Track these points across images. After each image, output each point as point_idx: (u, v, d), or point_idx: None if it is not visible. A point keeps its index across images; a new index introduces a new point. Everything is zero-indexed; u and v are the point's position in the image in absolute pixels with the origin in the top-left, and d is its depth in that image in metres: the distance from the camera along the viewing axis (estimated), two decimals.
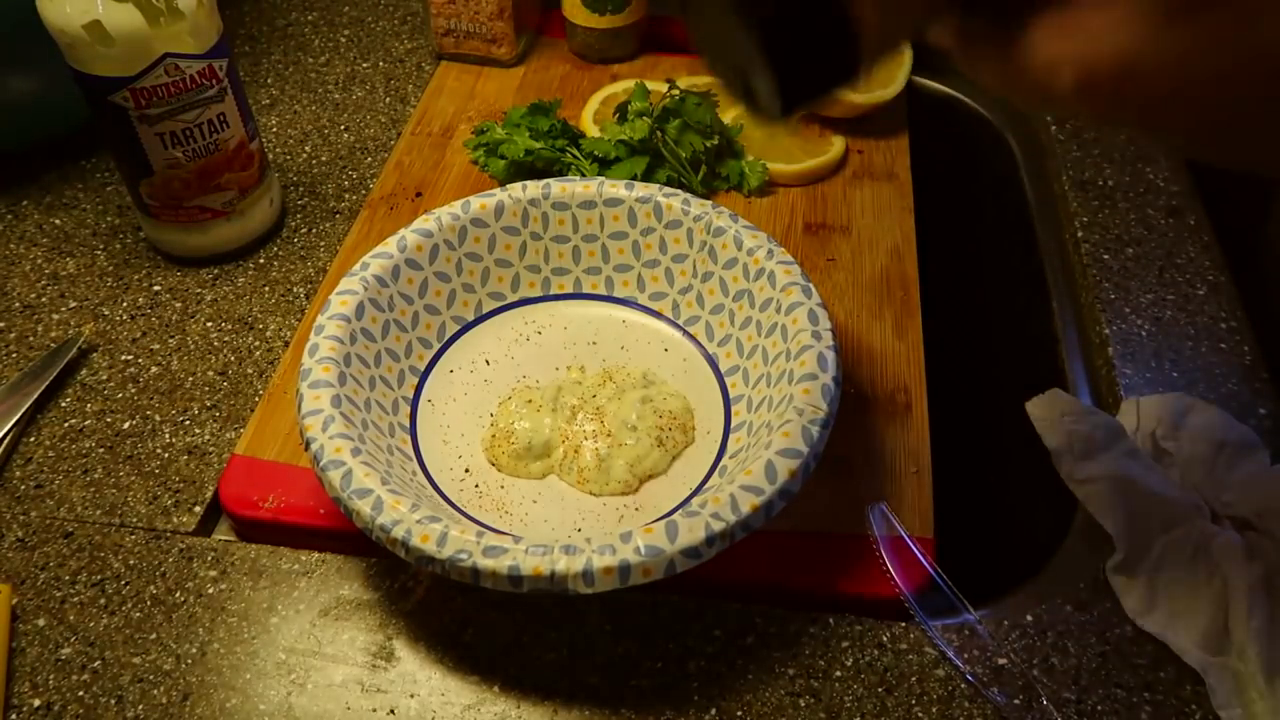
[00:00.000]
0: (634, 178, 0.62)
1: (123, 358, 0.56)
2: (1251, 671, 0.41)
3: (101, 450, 0.52)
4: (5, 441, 0.51)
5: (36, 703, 0.42)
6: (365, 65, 0.79)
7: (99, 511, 0.49)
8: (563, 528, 0.47)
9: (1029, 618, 0.44)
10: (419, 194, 0.66)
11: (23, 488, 0.50)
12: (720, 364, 0.53)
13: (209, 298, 0.60)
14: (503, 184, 0.59)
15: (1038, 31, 0.26)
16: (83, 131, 0.67)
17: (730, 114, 0.69)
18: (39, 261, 0.62)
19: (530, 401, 0.50)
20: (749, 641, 0.44)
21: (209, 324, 0.58)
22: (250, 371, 0.55)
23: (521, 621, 0.44)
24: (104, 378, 0.55)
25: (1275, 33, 0.23)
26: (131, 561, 0.47)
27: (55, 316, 0.59)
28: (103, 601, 0.45)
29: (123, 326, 0.58)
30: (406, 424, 0.50)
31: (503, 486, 0.48)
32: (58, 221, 0.65)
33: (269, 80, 0.77)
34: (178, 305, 0.59)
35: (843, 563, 0.46)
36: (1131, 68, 0.24)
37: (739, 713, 0.41)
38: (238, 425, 0.53)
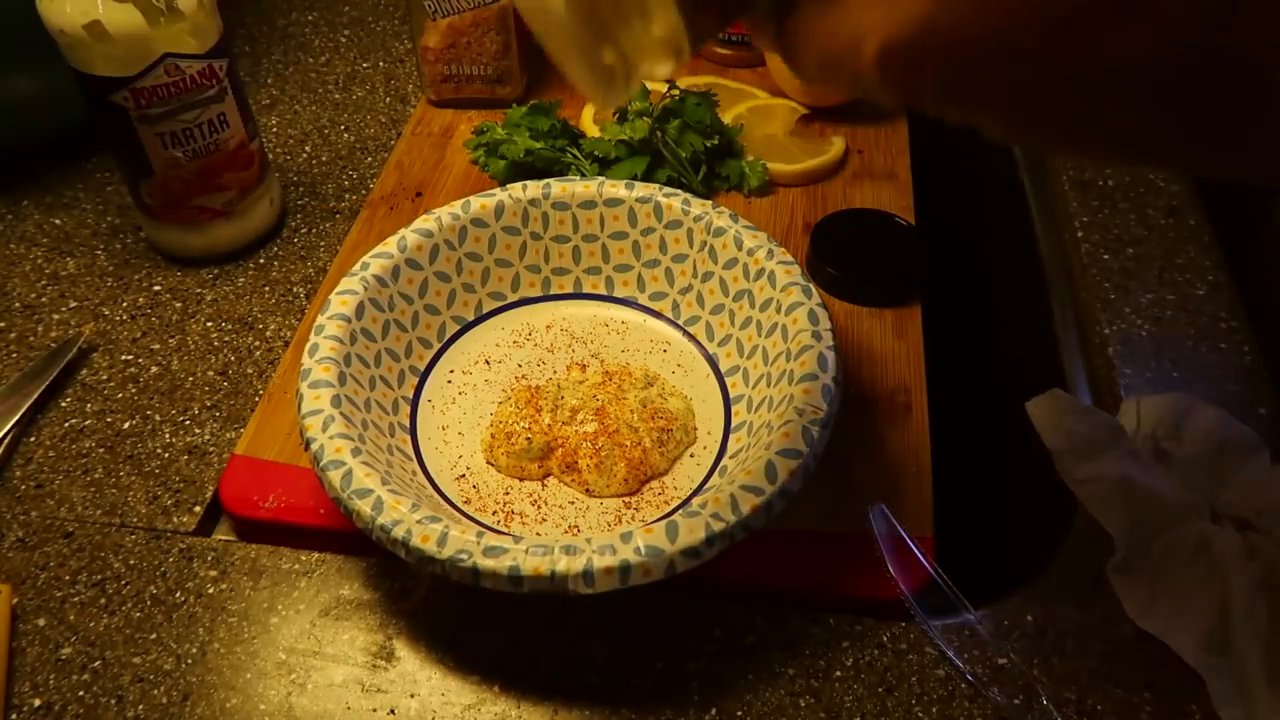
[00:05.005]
0: (634, 178, 0.62)
1: (123, 358, 0.56)
2: (1251, 671, 0.41)
3: (101, 450, 0.52)
4: (5, 441, 0.51)
5: (36, 703, 0.42)
6: (365, 65, 0.79)
7: (99, 511, 0.49)
8: (562, 528, 0.47)
9: (1029, 618, 0.44)
10: (419, 194, 0.66)
11: (23, 488, 0.50)
12: (720, 364, 0.53)
13: (209, 298, 0.60)
14: (503, 184, 0.59)
15: (843, 4, 0.25)
16: (83, 131, 0.67)
17: (730, 114, 0.69)
18: (39, 261, 0.62)
19: (530, 402, 0.50)
20: (749, 641, 0.44)
21: (209, 324, 0.58)
22: (250, 371, 0.55)
23: (521, 621, 0.44)
24: (104, 378, 0.55)
25: None
26: (131, 561, 0.47)
27: (55, 316, 0.59)
28: (103, 601, 0.45)
29: (123, 326, 0.58)
30: (406, 424, 0.50)
31: (503, 487, 0.48)
32: (58, 221, 0.65)
33: (269, 80, 0.77)
34: (178, 305, 0.59)
35: (843, 563, 0.46)
36: (928, 29, 0.22)
37: (739, 713, 0.41)
38: (238, 425, 0.53)
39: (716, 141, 0.65)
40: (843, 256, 0.58)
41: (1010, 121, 0.24)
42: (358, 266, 0.50)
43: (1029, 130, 0.24)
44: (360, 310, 0.49)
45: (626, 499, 0.48)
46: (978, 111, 0.24)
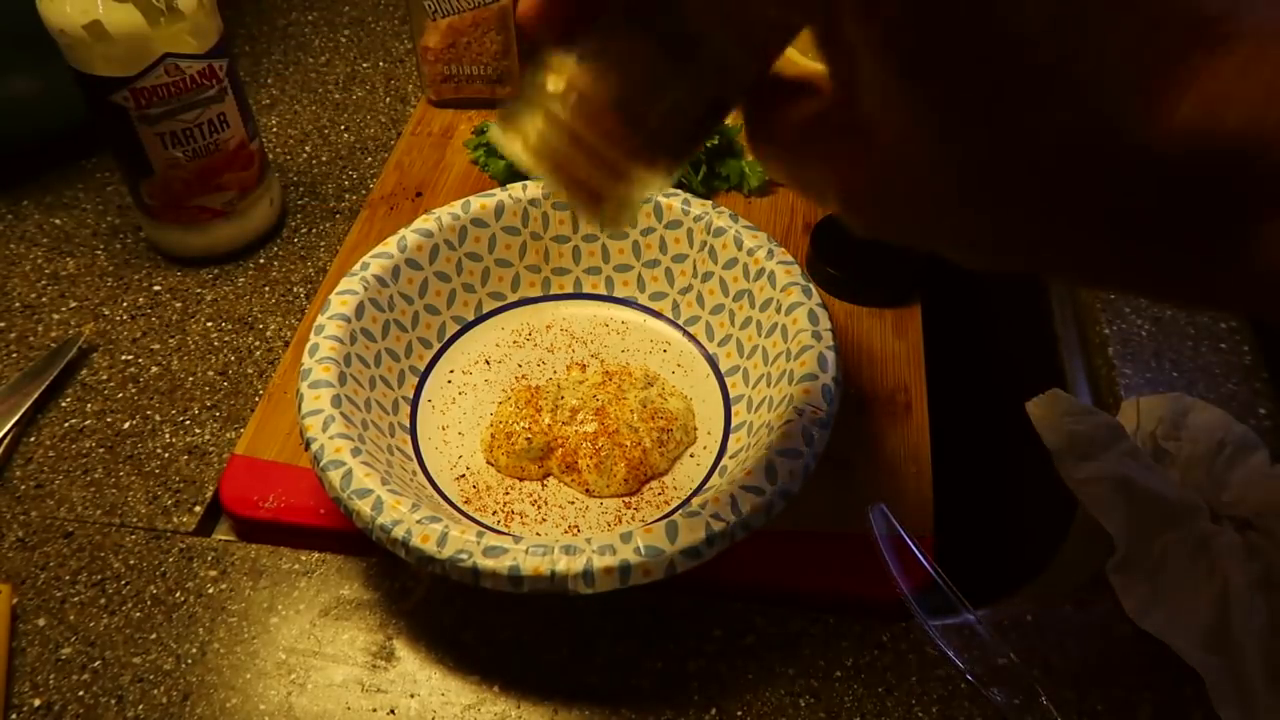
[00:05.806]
0: None
1: (123, 358, 0.56)
2: (1251, 671, 0.41)
3: (101, 450, 0.52)
4: (5, 441, 0.51)
5: (36, 703, 0.42)
6: (365, 65, 0.79)
7: (99, 511, 0.49)
8: (562, 528, 0.47)
9: (1029, 618, 0.44)
10: (419, 194, 0.66)
11: (23, 488, 0.50)
12: (720, 364, 0.53)
13: (209, 298, 0.60)
14: (503, 184, 0.59)
15: (804, 148, 0.25)
16: (83, 131, 0.67)
17: (730, 114, 0.69)
18: (39, 261, 0.62)
19: (530, 402, 0.50)
20: (749, 641, 0.44)
21: (209, 324, 0.58)
22: (250, 371, 0.55)
23: (521, 621, 0.44)
24: (104, 378, 0.55)
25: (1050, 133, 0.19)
26: (131, 561, 0.47)
27: (55, 316, 0.59)
28: (103, 601, 0.45)
29: (123, 326, 0.58)
30: (406, 424, 0.50)
31: (503, 487, 0.48)
32: (58, 221, 0.65)
33: (269, 80, 0.77)
34: (178, 305, 0.59)
35: (843, 563, 0.46)
36: (882, 194, 0.23)
37: (739, 713, 0.41)
38: (238, 425, 0.53)
39: (716, 141, 0.65)
40: (843, 256, 0.58)
41: (982, 258, 0.23)
42: (358, 266, 0.50)
43: (1008, 262, 0.23)
44: (360, 310, 0.49)
45: (626, 499, 0.48)
46: (941, 250, 0.24)
